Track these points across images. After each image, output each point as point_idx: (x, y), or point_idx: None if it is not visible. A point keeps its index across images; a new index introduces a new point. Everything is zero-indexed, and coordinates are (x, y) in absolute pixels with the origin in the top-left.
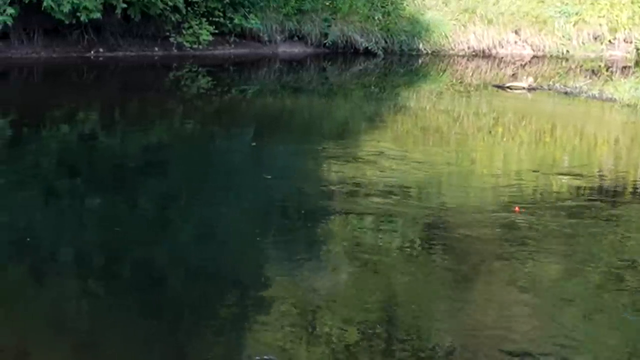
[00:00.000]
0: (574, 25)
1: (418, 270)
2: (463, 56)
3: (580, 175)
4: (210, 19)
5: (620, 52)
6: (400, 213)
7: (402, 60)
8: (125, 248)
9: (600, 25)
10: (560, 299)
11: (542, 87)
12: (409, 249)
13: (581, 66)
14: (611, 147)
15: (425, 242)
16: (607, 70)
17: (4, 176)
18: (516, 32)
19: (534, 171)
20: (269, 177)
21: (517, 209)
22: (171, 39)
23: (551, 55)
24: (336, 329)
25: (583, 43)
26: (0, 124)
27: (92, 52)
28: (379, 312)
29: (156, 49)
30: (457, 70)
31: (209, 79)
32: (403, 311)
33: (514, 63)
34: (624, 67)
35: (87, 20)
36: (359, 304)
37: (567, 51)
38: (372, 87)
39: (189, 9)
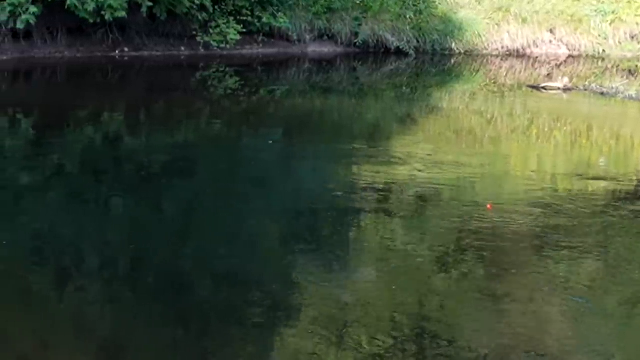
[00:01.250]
0: (610, 24)
1: (451, 275)
2: (497, 56)
3: (617, 178)
4: (238, 17)
5: None
6: (432, 216)
7: (435, 60)
8: (150, 252)
9: (638, 24)
10: (598, 305)
11: (577, 87)
12: (441, 253)
13: (618, 66)
14: None
15: (458, 246)
16: None
17: (27, 179)
18: (551, 31)
19: (569, 174)
20: (297, 178)
21: (489, 206)
22: (198, 38)
23: (587, 55)
24: (366, 336)
25: (620, 42)
26: (24, 126)
27: (117, 51)
28: (411, 318)
29: (183, 48)
30: (490, 70)
31: (237, 79)
32: (435, 318)
33: (549, 63)
34: None
35: (111, 19)
36: (390, 310)
37: (604, 50)
38: (404, 88)
39: (216, 7)
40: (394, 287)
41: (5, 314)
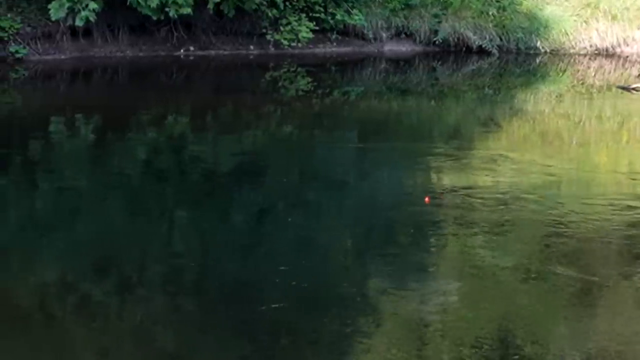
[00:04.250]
0: None
1: (535, 287)
2: (584, 55)
3: None
4: (310, 14)
5: None
6: (516, 223)
7: (519, 59)
8: (216, 262)
9: None
10: None
11: None
12: (525, 263)
13: None
14: None
15: (543, 256)
16: None
17: (88, 185)
18: None
19: None
20: (373, 184)
21: (427, 199)
22: (268, 37)
23: None
24: (447, 350)
25: None
26: (83, 129)
27: (181, 50)
28: (493, 333)
29: (251, 47)
30: (578, 70)
31: (309, 79)
32: (519, 333)
33: None
34: None
35: (176, 16)
36: (471, 324)
37: None
38: (486, 89)
39: (287, 3)
40: (475, 301)
41: (67, 327)
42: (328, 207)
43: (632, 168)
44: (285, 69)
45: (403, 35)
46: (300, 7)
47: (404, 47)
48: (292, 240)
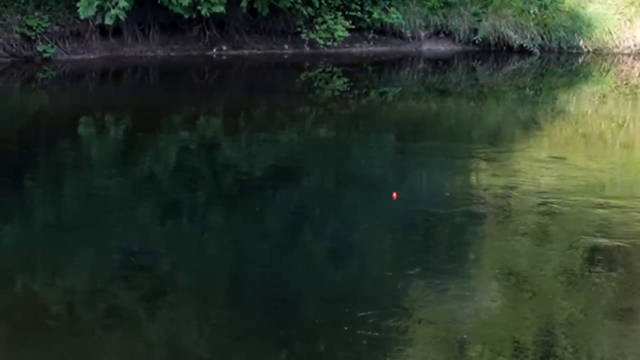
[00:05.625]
0: None
1: (579, 295)
2: (629, 54)
3: None
4: (347, 13)
5: None
6: (558, 228)
7: (561, 59)
8: (251, 268)
9: None
10: None
11: None
12: (568, 270)
13: None
14: None
15: (586, 262)
16: None
17: (118, 188)
18: None
19: None
20: (411, 187)
21: (394, 195)
22: (303, 36)
23: None
24: (486, 358)
25: None
26: (113, 131)
27: (214, 50)
28: (534, 344)
29: (286, 46)
30: (622, 71)
31: (345, 80)
32: (560, 340)
33: None
34: None
35: (209, 15)
36: (511, 334)
37: None
38: (527, 89)
39: (322, 2)
40: (516, 310)
41: (97, 334)
42: (365, 210)
43: None
44: (321, 69)
45: (442, 34)
46: (336, 5)
47: (442, 47)
48: (328, 245)
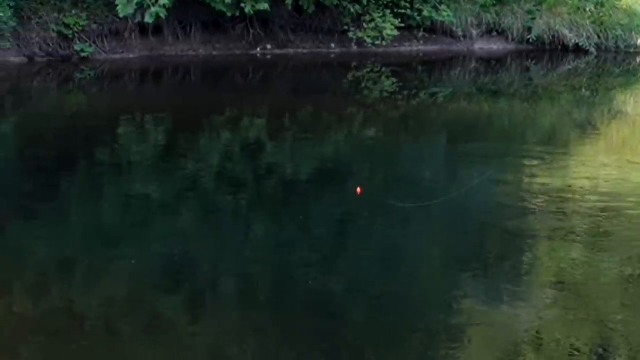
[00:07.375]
0: None
1: (636, 300)
2: None
3: None
4: (396, 11)
5: None
6: (616, 232)
7: (618, 58)
8: (296, 274)
9: None
10: None
11: None
12: (626, 277)
13: None
14: None
15: None
16: None
17: (159, 191)
18: None
19: None
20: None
21: (359, 189)
22: (350, 34)
23: None
24: None
25: None
26: (153, 132)
27: (258, 49)
28: (590, 350)
29: (332, 45)
30: None
31: (394, 80)
32: (616, 349)
33: None
34: None
35: (252, 13)
36: (567, 342)
37: None
38: (583, 90)
39: None
40: (571, 318)
41: (138, 342)
42: (415, 214)
43: None
44: (369, 69)
45: (494, 33)
46: (385, 3)
47: (495, 46)
48: (376, 250)
